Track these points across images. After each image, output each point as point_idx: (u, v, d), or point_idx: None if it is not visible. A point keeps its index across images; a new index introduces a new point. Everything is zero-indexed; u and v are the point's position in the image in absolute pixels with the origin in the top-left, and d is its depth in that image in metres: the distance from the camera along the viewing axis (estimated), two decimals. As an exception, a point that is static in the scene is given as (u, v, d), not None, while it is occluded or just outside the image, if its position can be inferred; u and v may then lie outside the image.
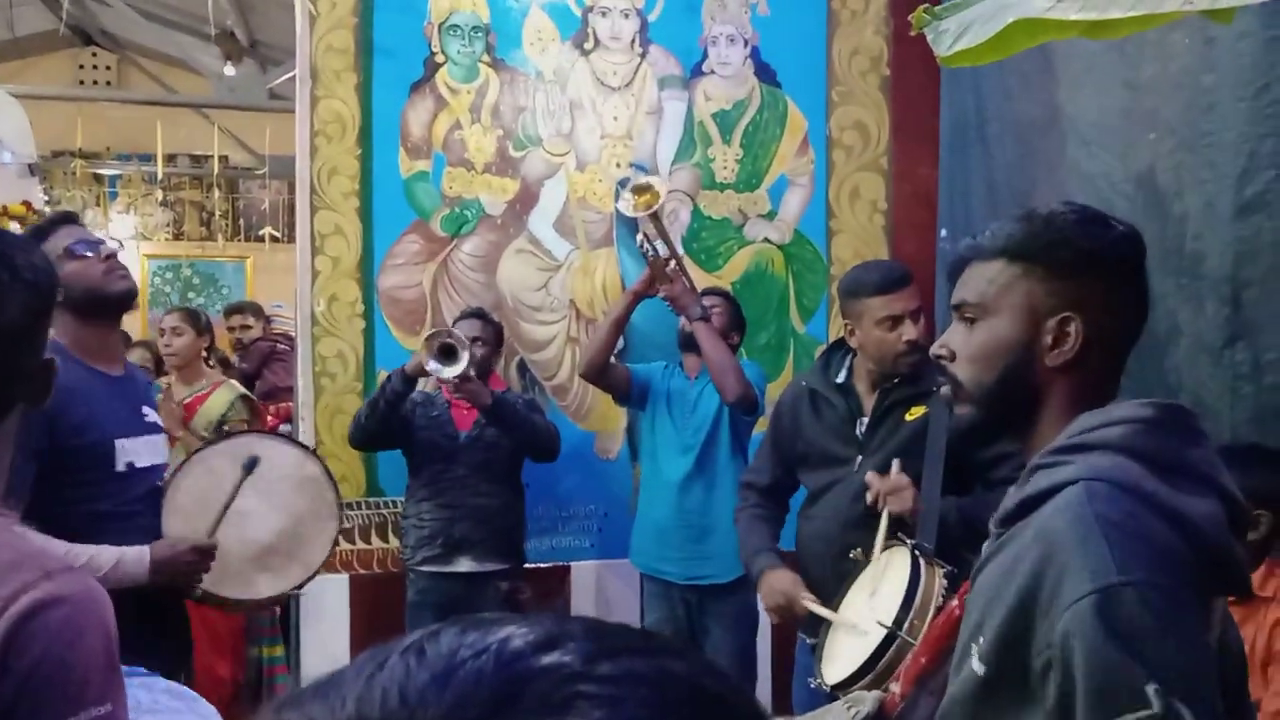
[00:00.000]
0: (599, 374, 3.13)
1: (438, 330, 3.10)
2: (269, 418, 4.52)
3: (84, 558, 1.94)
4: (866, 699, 1.52)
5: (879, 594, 1.98)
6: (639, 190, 3.04)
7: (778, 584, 2.32)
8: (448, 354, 2.96)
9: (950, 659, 1.21)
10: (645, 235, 3.04)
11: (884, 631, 1.86)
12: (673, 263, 3.00)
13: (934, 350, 1.25)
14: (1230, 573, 1.07)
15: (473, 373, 3.00)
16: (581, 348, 3.54)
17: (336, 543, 2.44)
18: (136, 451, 2.13)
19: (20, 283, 0.98)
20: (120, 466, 2.10)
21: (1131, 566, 0.97)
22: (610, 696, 0.36)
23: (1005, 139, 3.20)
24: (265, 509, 2.33)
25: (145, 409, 2.22)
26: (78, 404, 2.02)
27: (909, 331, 2.24)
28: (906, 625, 1.85)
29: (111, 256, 2.13)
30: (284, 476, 2.38)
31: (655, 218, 3.00)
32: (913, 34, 1.70)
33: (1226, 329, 2.21)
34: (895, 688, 1.52)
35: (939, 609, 1.85)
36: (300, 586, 2.37)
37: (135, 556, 2.01)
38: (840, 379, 2.40)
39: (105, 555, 1.98)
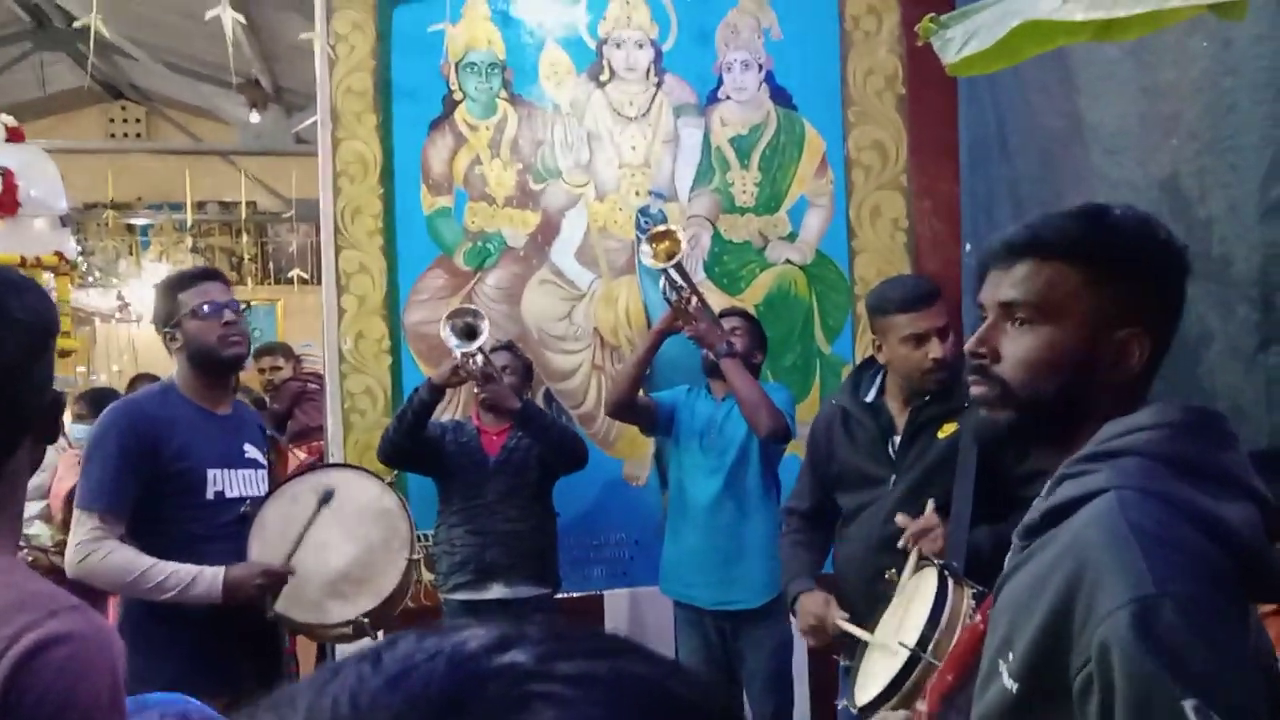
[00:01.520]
0: (625, 411, 3.14)
1: (460, 308, 3.12)
2: (302, 455, 4.55)
3: (166, 572, 2.18)
4: (893, 718, 1.49)
5: (909, 615, 1.96)
6: (657, 239, 3.03)
7: (811, 606, 2.31)
8: (469, 334, 2.98)
9: (976, 676, 1.18)
10: (667, 280, 3.02)
11: (908, 653, 1.84)
12: (694, 301, 2.98)
13: (972, 348, 1.16)
14: (1267, 577, 1.03)
15: (493, 371, 3.01)
16: (606, 376, 3.55)
17: (409, 572, 2.49)
18: (228, 482, 2.36)
19: (12, 322, 0.99)
20: (209, 494, 2.32)
21: (1168, 578, 0.94)
22: (565, 697, 0.35)
23: (1027, 151, 3.18)
24: (341, 538, 2.44)
25: (248, 446, 2.45)
26: (177, 435, 2.29)
27: (935, 350, 2.22)
28: (932, 646, 1.82)
29: (231, 323, 2.34)
30: (361, 508, 2.49)
31: (677, 265, 2.99)
32: (919, 43, 1.70)
33: (1258, 333, 2.18)
34: (922, 706, 1.49)
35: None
36: (368, 615, 2.42)
37: (211, 575, 2.20)
38: (870, 398, 2.39)
39: (184, 572, 2.19)
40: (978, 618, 1.58)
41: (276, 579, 2.27)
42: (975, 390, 1.16)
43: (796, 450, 3.12)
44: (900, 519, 2.11)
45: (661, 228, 3.09)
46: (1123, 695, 0.93)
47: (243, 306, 2.43)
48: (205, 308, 2.33)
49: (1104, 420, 1.10)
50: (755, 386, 2.91)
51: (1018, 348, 1.12)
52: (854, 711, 2.00)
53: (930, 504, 2.11)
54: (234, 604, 2.21)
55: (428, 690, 0.35)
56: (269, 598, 2.28)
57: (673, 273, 2.96)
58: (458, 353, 2.98)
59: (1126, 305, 1.09)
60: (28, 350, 1.01)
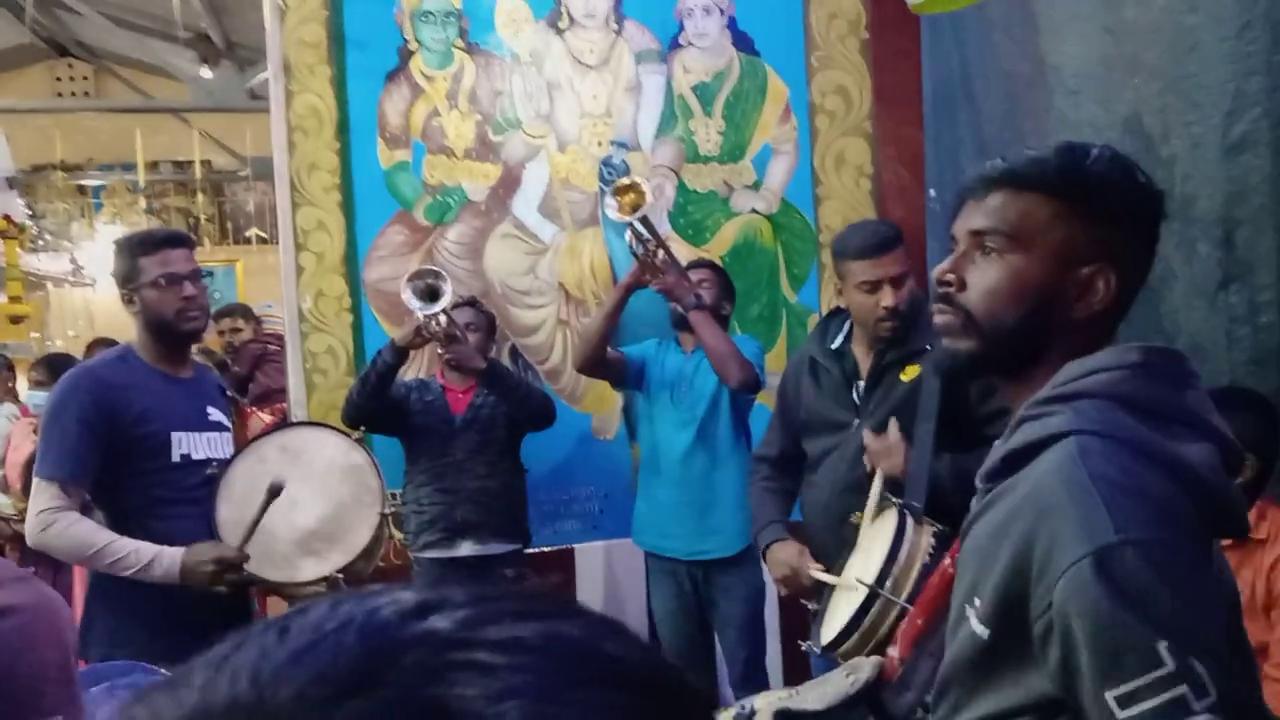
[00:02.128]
0: (594, 367, 3.11)
1: (421, 270, 3.06)
2: (266, 418, 4.50)
3: (125, 550, 2.16)
4: (865, 665, 1.51)
5: (870, 555, 1.98)
6: (621, 191, 2.96)
7: (783, 555, 2.33)
8: (431, 295, 2.94)
9: (947, 619, 1.18)
10: (633, 233, 2.98)
11: (866, 590, 1.86)
12: (661, 253, 2.95)
13: (938, 275, 1.15)
14: (1228, 515, 1.03)
15: (457, 331, 2.98)
16: (572, 330, 3.52)
17: (381, 527, 2.47)
18: (193, 445, 2.33)
19: None
20: (175, 457, 2.30)
21: (1129, 524, 0.93)
22: (488, 664, 0.33)
23: (991, 94, 3.16)
24: (310, 496, 2.42)
25: (210, 409, 2.42)
26: (138, 399, 2.26)
27: (886, 298, 2.23)
28: (890, 583, 1.84)
29: (191, 297, 2.29)
30: (330, 464, 2.46)
31: (643, 218, 2.95)
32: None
33: (1220, 271, 2.19)
34: (894, 651, 1.50)
35: (926, 566, 1.84)
36: (342, 572, 2.41)
37: (169, 557, 2.17)
38: (836, 344, 2.40)
39: (144, 551, 2.17)
40: (947, 560, 1.59)
41: (231, 566, 2.22)
42: (939, 319, 1.16)
43: (766, 400, 3.13)
44: (866, 438, 2.13)
45: (626, 180, 3.04)
46: (1093, 644, 0.92)
47: (205, 273, 2.37)
48: (163, 279, 2.28)
49: (1066, 358, 1.09)
50: (724, 338, 2.90)
51: (984, 277, 1.12)
52: (817, 652, 2.02)
53: (893, 424, 2.12)
54: (189, 586, 2.17)
55: (336, 663, 0.32)
56: (225, 583, 2.23)
57: (638, 225, 2.92)
58: (420, 314, 2.93)
59: (1095, 242, 1.08)
60: None
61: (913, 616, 1.60)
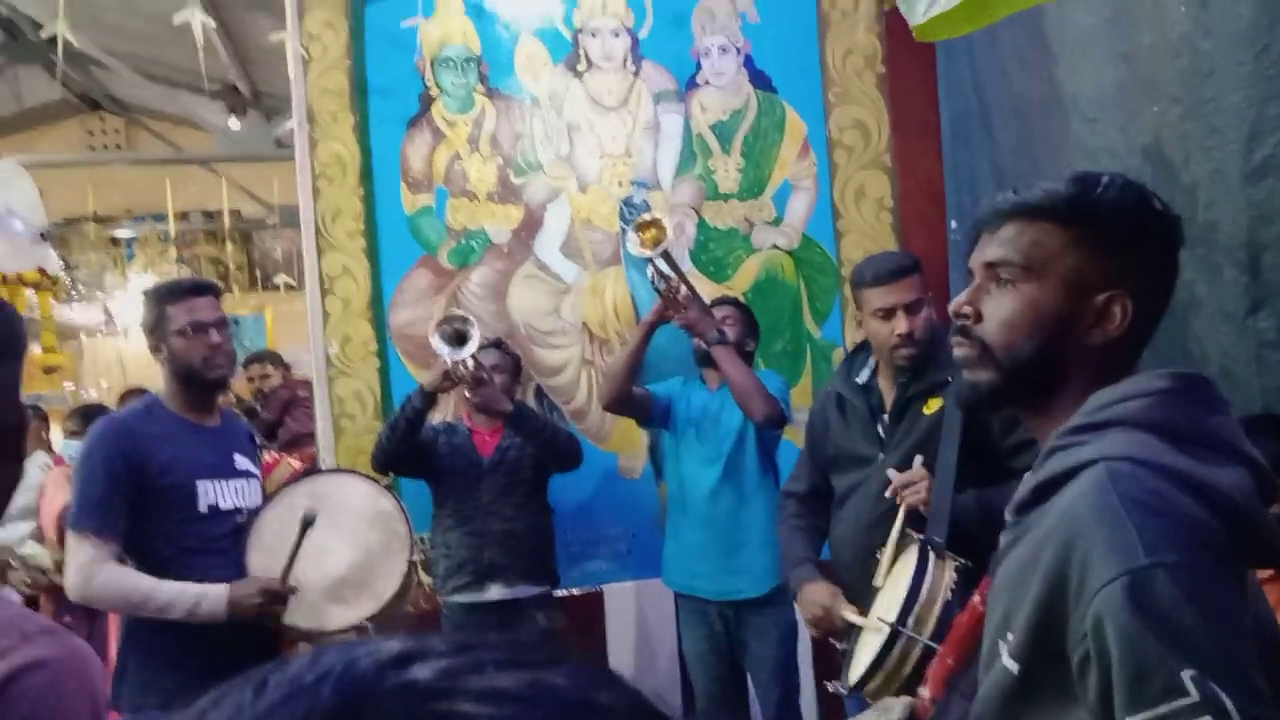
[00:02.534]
0: (620, 405, 3.11)
1: (449, 315, 3.09)
2: (295, 464, 4.52)
3: (170, 593, 2.17)
4: (897, 706, 1.48)
5: (893, 592, 1.95)
6: (643, 227, 2.98)
7: (816, 596, 2.30)
8: (459, 340, 2.96)
9: (978, 657, 1.16)
10: (655, 269, 2.99)
11: (888, 629, 1.83)
12: (683, 289, 2.95)
13: (954, 308, 1.15)
14: (1263, 543, 1.01)
15: (484, 374, 2.99)
16: (597, 370, 3.53)
17: (409, 574, 2.48)
18: (220, 494, 2.34)
19: None
20: (202, 508, 2.30)
21: (1160, 548, 0.92)
22: (472, 716, 0.32)
23: (1008, 123, 3.16)
24: (339, 543, 2.43)
25: (238, 456, 2.42)
26: (164, 450, 2.27)
27: (900, 325, 2.23)
28: (911, 621, 1.82)
29: (217, 346, 2.31)
30: (358, 512, 2.47)
31: (664, 254, 2.95)
32: (886, 7, 1.68)
33: (1247, 297, 2.16)
34: (925, 691, 1.47)
35: (948, 603, 1.81)
36: (371, 619, 2.41)
37: (215, 595, 2.19)
38: (862, 379, 2.39)
39: (190, 593, 2.19)
40: (976, 598, 1.56)
41: (276, 597, 2.25)
42: (957, 352, 1.16)
43: (792, 437, 3.11)
44: (890, 473, 2.11)
45: (648, 216, 3.06)
46: (1120, 669, 0.91)
47: (232, 321, 2.39)
48: (190, 327, 2.30)
49: (1087, 386, 1.08)
50: (748, 373, 2.89)
51: (999, 308, 1.12)
52: (845, 692, 1.99)
53: (918, 460, 2.10)
54: (237, 621, 2.21)
55: (310, 718, 0.32)
56: (272, 614, 2.26)
57: (660, 261, 2.93)
58: (449, 360, 2.95)
59: (1110, 268, 1.08)
60: None
61: (943, 655, 1.57)
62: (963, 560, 1.87)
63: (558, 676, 0.35)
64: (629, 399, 3.06)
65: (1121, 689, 0.90)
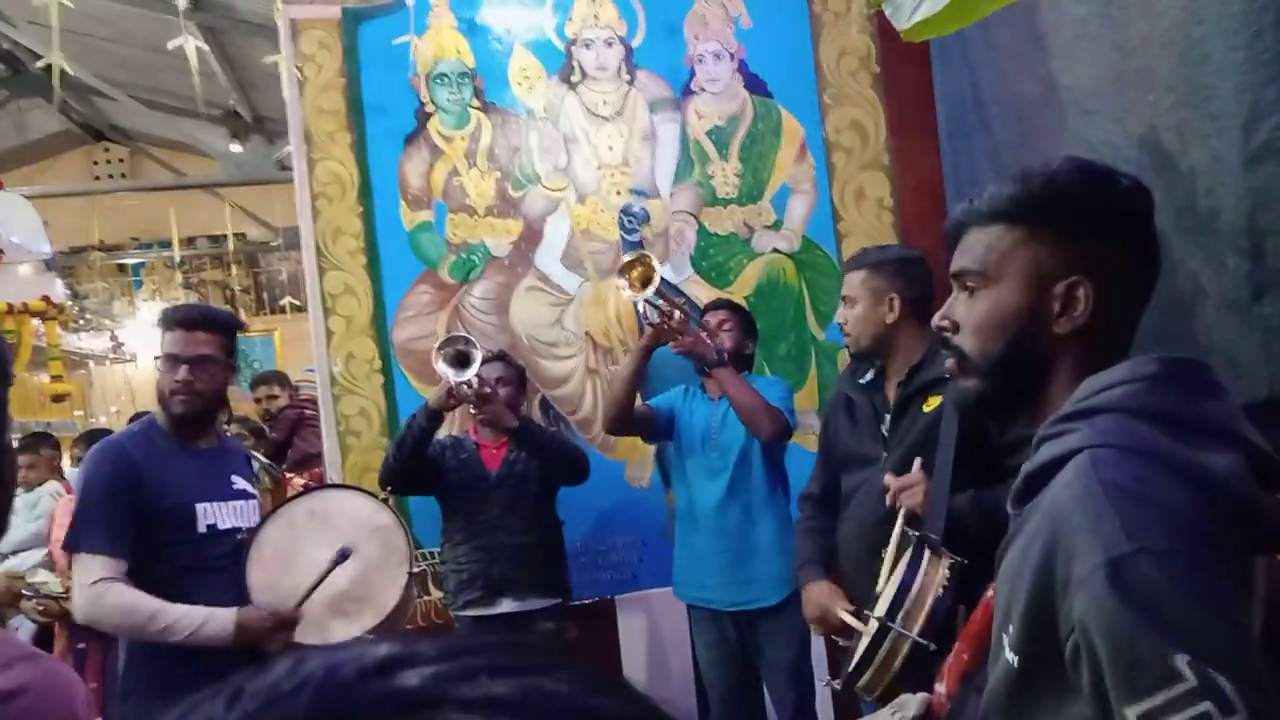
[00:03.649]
0: (623, 427, 3.11)
1: (451, 337, 3.09)
2: (303, 483, 4.52)
3: (176, 615, 2.16)
4: (912, 703, 1.47)
5: (889, 589, 1.95)
6: (628, 269, 2.95)
7: (815, 595, 2.33)
8: (462, 361, 2.96)
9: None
10: (647, 303, 2.96)
11: (879, 625, 1.83)
12: (677, 315, 2.92)
13: (935, 322, 1.19)
14: (1263, 527, 0.97)
15: (487, 389, 2.99)
16: (601, 379, 3.52)
17: (410, 587, 2.47)
18: (219, 515, 2.33)
19: None
20: (201, 528, 2.30)
21: (1144, 533, 0.89)
22: None
23: (1005, 119, 3.15)
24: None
25: (235, 478, 2.42)
26: (160, 472, 2.28)
27: (839, 314, 2.39)
28: (901, 617, 1.81)
29: (184, 381, 2.29)
30: (357, 526, 2.47)
31: (658, 290, 2.92)
32: (872, 11, 1.67)
33: (1250, 283, 2.14)
34: (941, 687, 1.46)
35: (939, 600, 1.80)
36: (372, 633, 2.40)
37: (223, 617, 2.19)
38: (866, 379, 2.39)
39: (196, 614, 2.17)
40: (990, 593, 1.55)
41: (287, 624, 2.25)
42: (946, 363, 1.19)
43: (799, 440, 3.10)
44: (887, 477, 2.10)
45: (628, 256, 3.01)
46: (1110, 661, 0.88)
47: (205, 356, 2.32)
48: (165, 359, 2.32)
49: (1073, 374, 1.08)
50: (750, 391, 2.88)
51: (970, 315, 1.15)
52: (838, 687, 2.00)
53: (917, 463, 2.09)
54: (243, 645, 2.20)
55: None
56: (280, 640, 2.25)
57: (653, 300, 2.92)
58: (453, 382, 2.95)
59: (1065, 257, 1.09)
60: None
61: (959, 651, 1.55)
62: (958, 558, 1.86)
63: (555, 682, 0.33)
64: (631, 420, 3.06)
65: (1115, 681, 0.88)
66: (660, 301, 2.92)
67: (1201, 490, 0.94)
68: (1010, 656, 1.01)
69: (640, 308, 3.00)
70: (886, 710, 1.56)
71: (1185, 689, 0.83)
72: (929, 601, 1.82)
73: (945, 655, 1.50)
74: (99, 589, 2.17)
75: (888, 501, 2.10)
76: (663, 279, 2.96)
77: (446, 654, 0.33)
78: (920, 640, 1.83)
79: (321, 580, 2.29)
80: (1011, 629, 1.02)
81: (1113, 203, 1.10)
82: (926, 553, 1.86)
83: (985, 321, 1.12)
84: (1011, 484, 1.12)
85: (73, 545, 2.24)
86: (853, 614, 2.15)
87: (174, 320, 2.35)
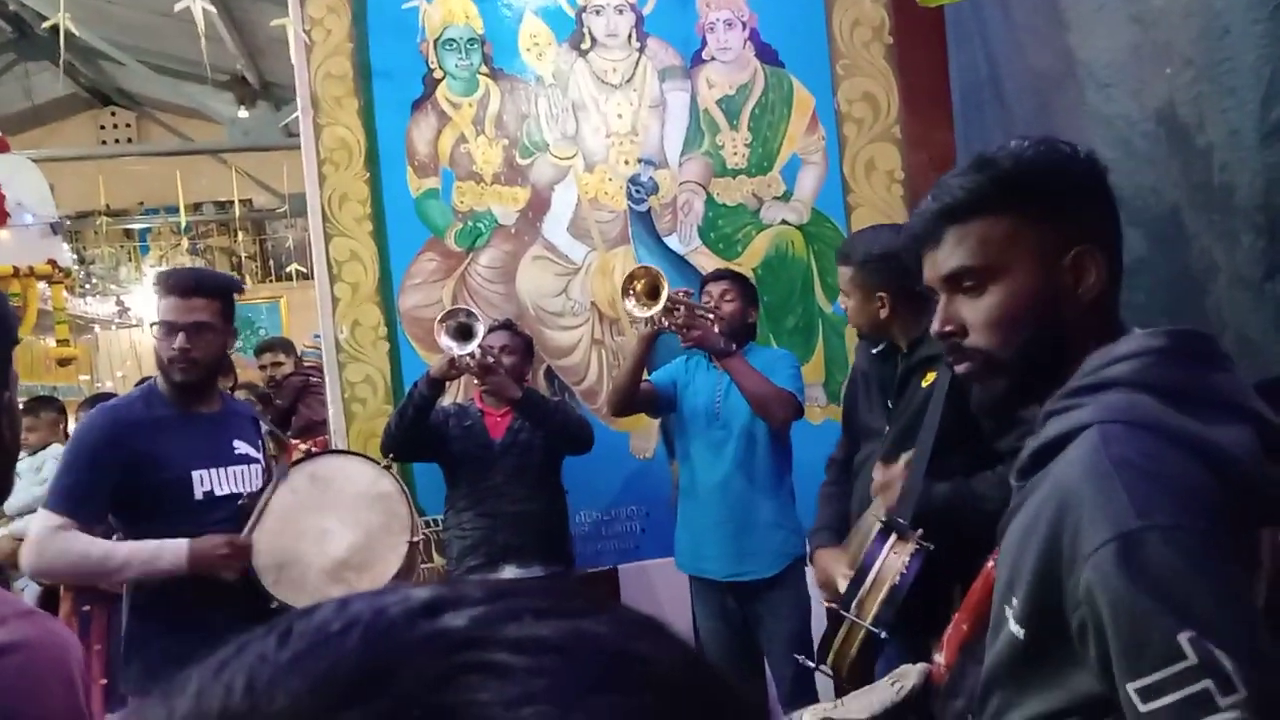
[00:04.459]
0: (628, 411, 3.10)
1: (453, 309, 3.08)
2: (304, 450, 4.53)
3: (124, 552, 2.16)
4: (912, 673, 1.48)
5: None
6: (630, 284, 2.90)
7: (820, 561, 2.36)
8: (464, 334, 2.95)
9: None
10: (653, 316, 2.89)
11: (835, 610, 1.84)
12: (682, 310, 2.86)
13: (938, 331, 1.14)
14: (1270, 501, 0.97)
15: (491, 359, 2.98)
16: (607, 349, 3.51)
17: (411, 555, 2.46)
18: (216, 481, 2.30)
19: None
20: (198, 495, 2.27)
21: (1152, 510, 0.90)
22: (505, 665, 0.30)
23: (1020, 93, 3.11)
24: (340, 525, 2.43)
25: (237, 442, 2.38)
26: (156, 439, 2.24)
27: (840, 300, 2.43)
28: (855, 605, 1.81)
29: (182, 349, 2.24)
30: (358, 493, 2.47)
31: (669, 299, 2.85)
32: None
33: (1264, 261, 2.11)
34: (940, 658, 1.47)
35: (895, 588, 1.80)
36: None
37: (174, 548, 2.17)
38: (879, 348, 2.39)
39: (146, 549, 2.16)
40: (990, 564, 1.55)
41: (240, 550, 2.23)
42: (959, 369, 1.14)
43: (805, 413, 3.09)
44: (876, 470, 2.09)
45: (636, 269, 2.96)
46: (1115, 636, 0.89)
47: (203, 321, 2.27)
48: (161, 325, 2.27)
49: (1087, 347, 1.06)
50: (760, 380, 2.85)
51: (980, 314, 1.10)
52: (812, 665, 2.02)
53: (903, 458, 2.07)
54: (199, 573, 2.18)
55: (336, 669, 0.30)
56: (236, 568, 2.24)
57: (669, 311, 2.86)
58: (456, 354, 2.94)
59: (1062, 228, 1.07)
60: None
61: (958, 622, 1.56)
62: (925, 543, 1.85)
63: (599, 625, 0.33)
64: (635, 402, 3.05)
65: (1119, 657, 0.89)
66: (677, 309, 2.86)
67: (1209, 465, 0.94)
68: (1016, 629, 1.01)
69: (651, 319, 2.91)
70: (886, 680, 1.57)
71: (1186, 666, 0.84)
72: (884, 590, 1.82)
73: (925, 634, 1.50)
74: (45, 539, 2.14)
75: (873, 493, 2.09)
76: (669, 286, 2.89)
77: (492, 596, 0.33)
78: (873, 629, 1.84)
79: (267, 502, 2.29)
80: (1016, 602, 1.02)
81: (1082, 171, 1.09)
82: (892, 538, 1.84)
83: (1002, 314, 1.08)
84: (999, 470, 1.12)
85: (46, 503, 2.21)
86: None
87: (169, 285, 2.29)
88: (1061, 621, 0.96)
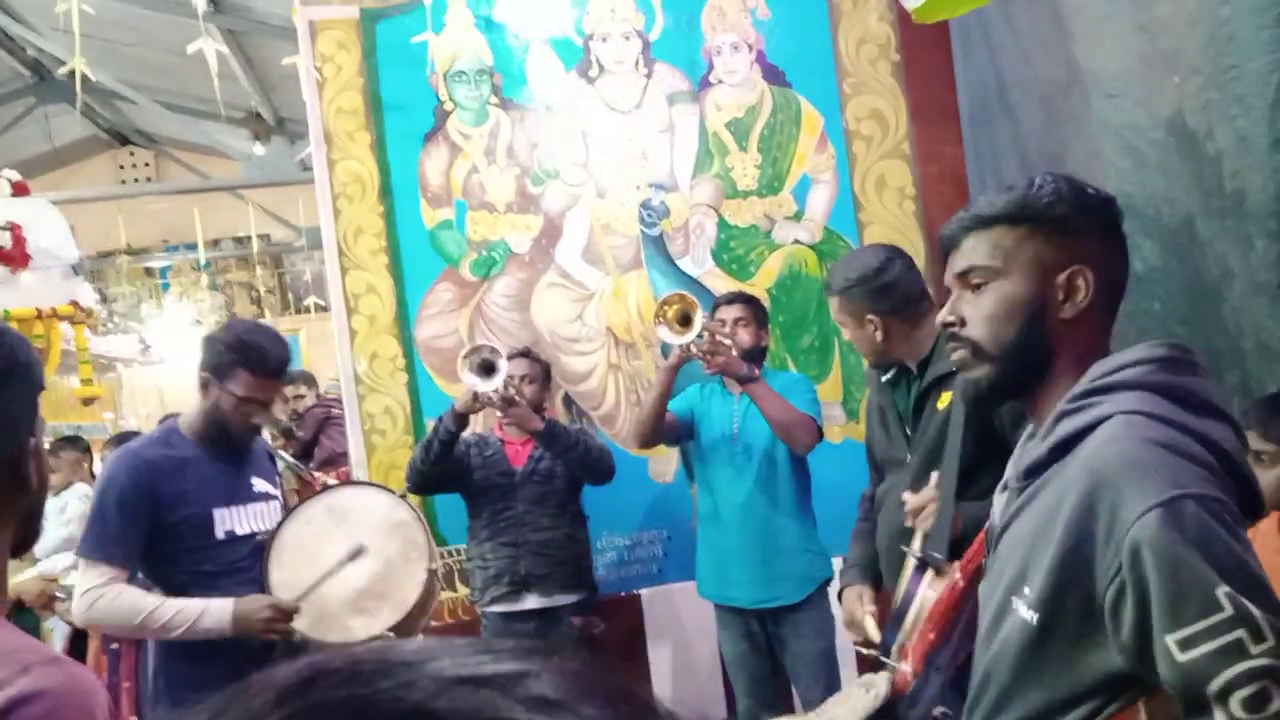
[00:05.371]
0: (652, 444, 3.10)
1: (476, 346, 3.09)
2: (331, 482, 4.55)
3: (173, 610, 2.18)
4: (879, 679, 1.53)
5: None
6: (662, 311, 2.92)
7: (846, 601, 2.33)
8: (487, 370, 2.96)
9: (955, 633, 1.31)
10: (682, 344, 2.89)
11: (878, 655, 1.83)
12: (706, 341, 2.85)
13: (942, 318, 1.28)
14: (1250, 493, 1.11)
15: (513, 390, 2.99)
16: (623, 374, 3.52)
17: (430, 583, 2.46)
18: (237, 520, 2.34)
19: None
20: (219, 534, 2.31)
21: (1186, 483, 1.02)
22: None
23: (1028, 104, 3.11)
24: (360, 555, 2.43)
25: (255, 480, 2.42)
26: (178, 480, 2.28)
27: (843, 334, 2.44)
28: (895, 649, 1.78)
29: (255, 425, 2.35)
30: (376, 522, 2.47)
31: (705, 326, 2.87)
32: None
33: (1279, 266, 2.11)
34: (906, 666, 1.53)
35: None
36: (393, 629, 2.39)
37: (219, 608, 2.19)
38: (888, 376, 2.35)
39: (192, 607, 2.19)
40: (957, 575, 1.58)
41: (285, 615, 2.25)
42: (954, 355, 1.29)
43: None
44: (905, 495, 2.06)
45: (659, 302, 2.97)
46: (1159, 591, 0.99)
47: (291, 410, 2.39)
48: (243, 400, 2.29)
49: (1074, 361, 1.20)
50: (784, 406, 2.84)
51: (979, 308, 1.25)
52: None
53: (933, 479, 2.04)
54: (242, 635, 2.20)
55: None
56: (280, 631, 2.25)
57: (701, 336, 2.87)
58: (479, 390, 2.96)
59: (1063, 249, 1.20)
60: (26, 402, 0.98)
61: (924, 632, 1.59)
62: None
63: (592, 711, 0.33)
64: (660, 434, 3.05)
65: (1161, 610, 0.99)
66: (704, 337, 2.86)
67: (1215, 455, 1.08)
68: (1028, 615, 1.12)
69: (677, 347, 2.93)
70: (859, 686, 1.61)
71: (1223, 618, 0.96)
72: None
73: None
74: (92, 595, 2.19)
75: (906, 524, 2.06)
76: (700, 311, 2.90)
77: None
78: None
79: (327, 576, 2.29)
80: (1029, 590, 1.13)
81: (1093, 204, 1.23)
82: (927, 575, 1.81)
83: (997, 310, 1.22)
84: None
85: (81, 551, 2.27)
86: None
87: (265, 367, 2.30)
88: (1085, 598, 1.07)
